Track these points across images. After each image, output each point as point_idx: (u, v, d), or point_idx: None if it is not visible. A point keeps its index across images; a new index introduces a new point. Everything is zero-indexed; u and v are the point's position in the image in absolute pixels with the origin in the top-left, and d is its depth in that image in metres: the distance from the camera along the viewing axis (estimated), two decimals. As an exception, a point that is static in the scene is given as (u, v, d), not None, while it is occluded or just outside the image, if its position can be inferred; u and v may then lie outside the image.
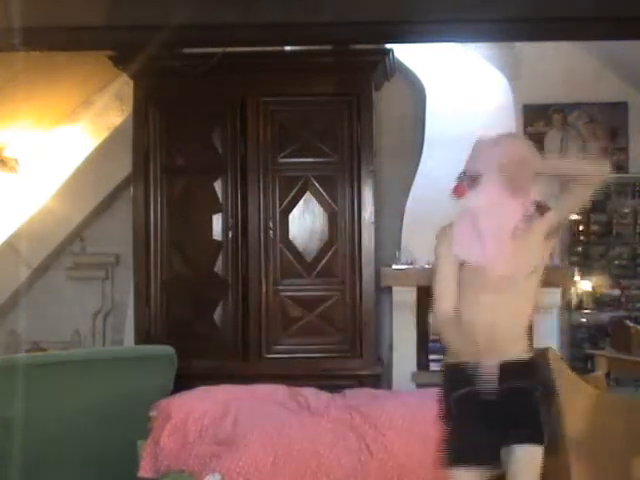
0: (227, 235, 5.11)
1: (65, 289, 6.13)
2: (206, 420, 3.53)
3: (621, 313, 5.63)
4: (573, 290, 5.67)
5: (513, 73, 5.61)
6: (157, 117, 5.17)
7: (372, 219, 5.06)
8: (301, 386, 4.02)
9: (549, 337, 5.13)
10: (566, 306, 5.64)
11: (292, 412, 3.65)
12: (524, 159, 2.45)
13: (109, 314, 6.20)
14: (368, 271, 5.04)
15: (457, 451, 2.42)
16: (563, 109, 5.82)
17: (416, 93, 5.72)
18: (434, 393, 4.00)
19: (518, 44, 5.50)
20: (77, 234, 6.11)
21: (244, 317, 5.07)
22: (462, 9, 3.62)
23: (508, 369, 2.36)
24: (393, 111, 5.84)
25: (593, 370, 4.88)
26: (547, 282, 5.00)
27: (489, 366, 2.33)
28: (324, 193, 5.11)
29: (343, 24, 3.73)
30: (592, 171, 2.51)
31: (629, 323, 4.99)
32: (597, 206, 5.73)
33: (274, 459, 3.26)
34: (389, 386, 5.18)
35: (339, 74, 5.10)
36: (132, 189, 5.25)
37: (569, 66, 5.73)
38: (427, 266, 5.21)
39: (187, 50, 5.02)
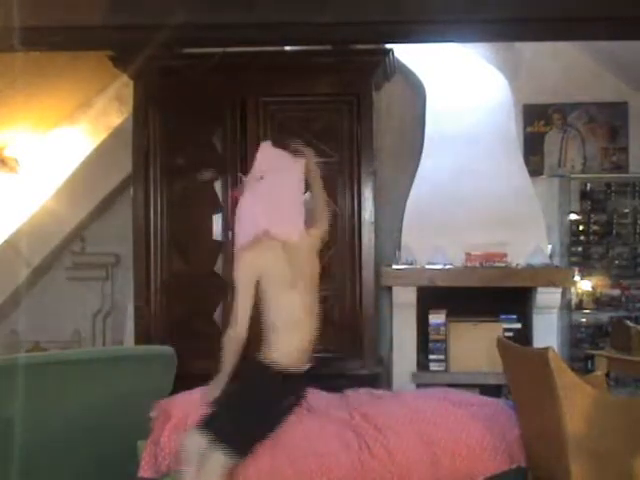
0: (227, 235, 5.11)
1: (65, 289, 6.14)
2: (206, 420, 3.52)
3: (621, 313, 5.63)
4: (573, 290, 5.67)
5: (513, 73, 5.61)
6: (157, 117, 5.18)
7: (372, 219, 5.06)
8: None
9: (549, 337, 5.14)
10: (566, 306, 5.64)
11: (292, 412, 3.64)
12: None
13: (109, 314, 6.21)
14: (368, 271, 5.04)
15: None
16: (563, 109, 5.82)
17: (416, 93, 5.73)
18: (434, 393, 4.03)
19: (518, 44, 5.50)
20: (77, 234, 6.13)
21: (244, 317, 5.07)
22: (462, 9, 3.62)
23: None
24: (393, 111, 5.85)
25: (593, 370, 4.88)
26: (547, 282, 5.13)
27: None
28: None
29: (343, 24, 3.73)
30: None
31: (629, 323, 4.98)
32: (597, 206, 5.74)
33: (274, 459, 3.26)
34: (389, 386, 5.18)
35: (339, 74, 5.09)
36: (132, 189, 5.25)
37: (569, 66, 5.74)
38: (427, 266, 5.23)
39: (187, 50, 5.02)
